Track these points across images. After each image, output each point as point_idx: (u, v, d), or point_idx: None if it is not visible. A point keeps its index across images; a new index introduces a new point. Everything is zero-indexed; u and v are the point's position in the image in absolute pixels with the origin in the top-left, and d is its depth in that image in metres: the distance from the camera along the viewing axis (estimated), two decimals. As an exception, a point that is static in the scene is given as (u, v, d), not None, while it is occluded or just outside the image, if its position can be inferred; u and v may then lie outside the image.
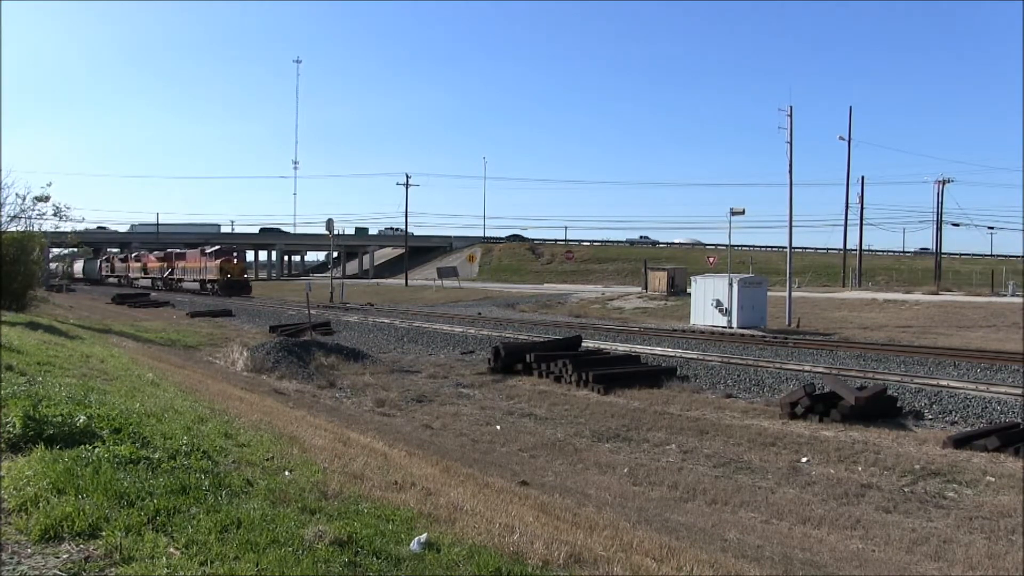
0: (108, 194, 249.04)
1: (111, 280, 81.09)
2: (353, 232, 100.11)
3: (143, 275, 72.63)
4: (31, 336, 13.93)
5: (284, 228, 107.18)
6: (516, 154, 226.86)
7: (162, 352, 20.18)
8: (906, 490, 10.01)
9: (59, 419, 5.06)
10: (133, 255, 78.39)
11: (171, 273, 67.01)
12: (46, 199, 27.50)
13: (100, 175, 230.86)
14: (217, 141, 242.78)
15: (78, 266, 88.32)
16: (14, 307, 23.71)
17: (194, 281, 62.01)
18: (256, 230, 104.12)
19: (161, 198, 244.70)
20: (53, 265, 62.53)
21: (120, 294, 53.75)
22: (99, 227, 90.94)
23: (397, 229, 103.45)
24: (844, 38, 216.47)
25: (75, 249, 60.34)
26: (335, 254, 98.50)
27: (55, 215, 28.98)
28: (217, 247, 63.47)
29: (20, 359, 9.16)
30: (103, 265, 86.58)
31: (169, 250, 72.59)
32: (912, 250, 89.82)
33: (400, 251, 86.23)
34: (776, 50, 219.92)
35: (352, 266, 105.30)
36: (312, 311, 30.90)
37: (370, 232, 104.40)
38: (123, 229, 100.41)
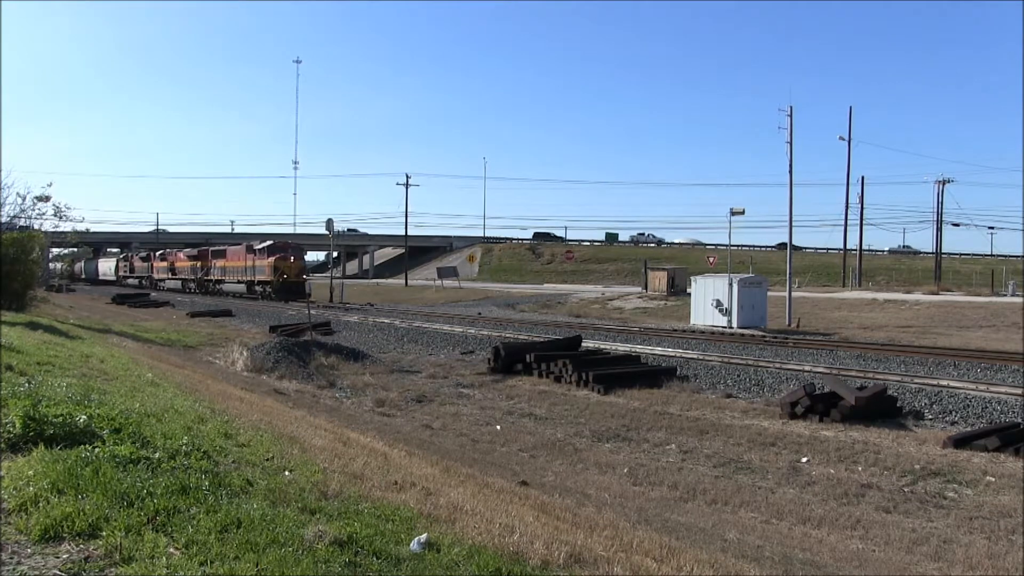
0: (108, 194, 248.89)
1: (130, 281, 72.50)
2: (355, 232, 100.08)
3: (171, 276, 63.43)
4: (31, 336, 13.93)
5: (284, 228, 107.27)
6: (516, 154, 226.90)
7: (162, 352, 20.18)
8: (906, 490, 10.00)
9: (59, 419, 5.06)
10: (158, 253, 69.40)
11: (207, 273, 57.19)
12: (46, 199, 27.66)
13: (99, 175, 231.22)
14: (217, 141, 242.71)
15: (80, 266, 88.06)
16: (14, 307, 23.72)
17: (238, 283, 52.07)
18: (253, 230, 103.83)
19: (161, 198, 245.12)
20: (58, 265, 62.28)
21: (120, 294, 52.79)
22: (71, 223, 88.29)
23: (646, 232, 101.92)
24: (844, 38, 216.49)
25: (75, 249, 60.15)
26: (335, 254, 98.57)
27: (55, 215, 29.10)
28: (269, 243, 52.36)
29: (20, 359, 9.16)
30: (120, 265, 78.91)
31: (204, 247, 62.53)
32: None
33: (400, 251, 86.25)
34: (776, 50, 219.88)
35: (352, 266, 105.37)
36: (312, 311, 30.89)
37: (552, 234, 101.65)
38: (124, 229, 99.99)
